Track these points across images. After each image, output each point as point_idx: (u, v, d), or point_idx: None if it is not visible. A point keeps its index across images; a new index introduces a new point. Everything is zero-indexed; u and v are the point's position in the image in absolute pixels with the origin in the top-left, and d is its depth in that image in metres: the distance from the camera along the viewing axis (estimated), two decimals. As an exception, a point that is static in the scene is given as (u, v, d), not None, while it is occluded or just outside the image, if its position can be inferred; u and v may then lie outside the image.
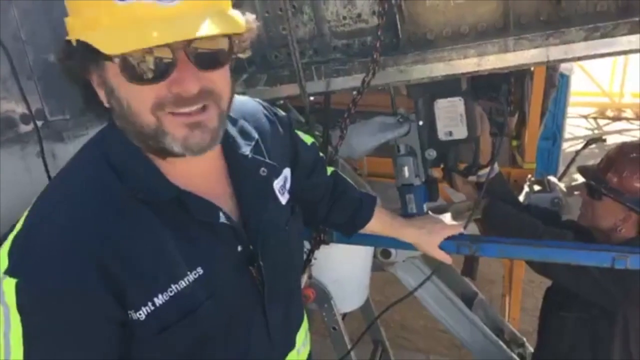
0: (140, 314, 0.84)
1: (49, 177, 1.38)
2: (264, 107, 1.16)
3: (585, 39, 1.41)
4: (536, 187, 2.12)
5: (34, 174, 1.40)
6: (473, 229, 1.93)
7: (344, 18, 1.62)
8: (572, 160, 2.78)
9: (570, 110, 4.86)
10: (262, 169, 1.03)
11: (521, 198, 2.11)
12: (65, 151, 1.49)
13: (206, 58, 0.80)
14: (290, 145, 1.20)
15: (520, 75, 2.10)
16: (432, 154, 1.87)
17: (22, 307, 0.78)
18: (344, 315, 2.10)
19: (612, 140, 5.36)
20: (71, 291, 0.79)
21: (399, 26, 1.55)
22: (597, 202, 1.72)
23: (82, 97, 0.88)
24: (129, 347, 0.87)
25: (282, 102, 2.10)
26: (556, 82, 2.91)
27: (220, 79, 0.84)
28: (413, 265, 2.11)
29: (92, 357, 0.84)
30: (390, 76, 1.61)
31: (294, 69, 1.61)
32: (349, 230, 1.48)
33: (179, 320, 0.88)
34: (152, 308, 0.85)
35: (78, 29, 0.79)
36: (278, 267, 1.04)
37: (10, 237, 0.83)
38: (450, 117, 1.79)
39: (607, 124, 7.36)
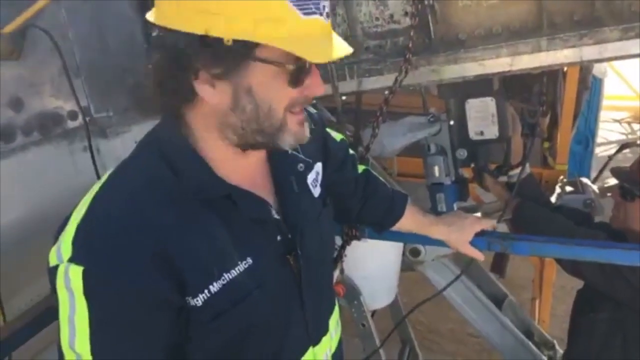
0: (197, 301, 0.89)
1: (97, 170, 1.45)
2: None
3: (620, 38, 1.40)
4: (568, 188, 2.11)
5: (80, 168, 1.48)
6: (503, 229, 1.93)
7: (377, 19, 1.64)
8: (605, 165, 2.73)
9: (604, 114, 4.77)
10: (300, 164, 1.09)
11: (553, 199, 2.10)
12: (109, 146, 1.57)
13: None
14: (322, 141, 1.25)
15: (553, 76, 2.09)
16: (462, 153, 1.88)
17: (89, 293, 0.82)
18: (373, 313, 2.13)
19: (647, 145, 5.23)
20: (135, 279, 0.84)
21: (431, 27, 1.57)
22: (629, 204, 1.70)
23: (174, 89, 0.88)
24: (186, 332, 0.91)
25: (314, 101, 2.14)
26: (589, 84, 2.88)
27: None
28: (442, 265, 2.12)
29: (154, 341, 0.89)
30: (422, 76, 1.63)
31: (327, 69, 1.64)
32: (381, 227, 1.51)
33: (231, 307, 0.92)
34: (208, 295, 0.89)
35: (242, 30, 0.80)
36: (312, 256, 1.08)
37: (72, 227, 0.87)
38: (482, 116, 1.80)
39: (642, 128, 7.20)
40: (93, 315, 0.83)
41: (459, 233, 1.47)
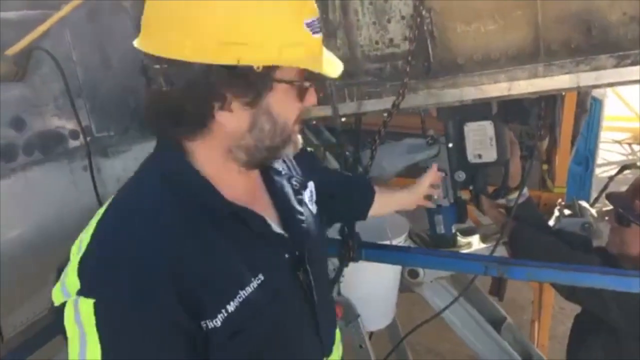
0: (216, 322, 0.88)
1: (96, 190, 1.46)
2: None
3: (616, 66, 1.42)
4: (566, 212, 2.11)
5: (80, 187, 1.48)
6: (502, 252, 1.93)
7: (377, 43, 1.66)
8: (606, 186, 2.74)
9: (604, 135, 4.79)
10: (294, 182, 1.13)
11: (551, 222, 2.10)
12: (109, 166, 1.58)
13: None
14: (308, 161, 1.29)
15: (551, 100, 2.11)
16: (461, 176, 1.89)
17: (101, 326, 0.80)
18: (371, 335, 2.11)
19: (647, 166, 5.23)
20: (150, 307, 0.81)
21: (430, 51, 1.59)
22: (625, 229, 1.71)
23: (193, 117, 0.89)
24: (203, 353, 0.89)
25: (314, 122, 2.16)
26: (588, 107, 2.89)
27: None
28: (441, 287, 2.11)
29: None
30: (421, 99, 1.65)
31: (327, 91, 1.66)
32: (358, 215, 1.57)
33: (248, 323, 0.92)
34: (226, 315, 0.89)
35: (269, 57, 0.84)
36: (317, 271, 1.11)
37: (75, 260, 0.85)
38: (480, 140, 1.82)
39: (642, 149, 7.20)
40: (105, 348, 0.80)
41: (411, 193, 1.64)
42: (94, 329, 0.79)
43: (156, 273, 0.83)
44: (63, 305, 0.83)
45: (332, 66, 0.93)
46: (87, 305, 0.80)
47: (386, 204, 1.62)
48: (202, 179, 0.93)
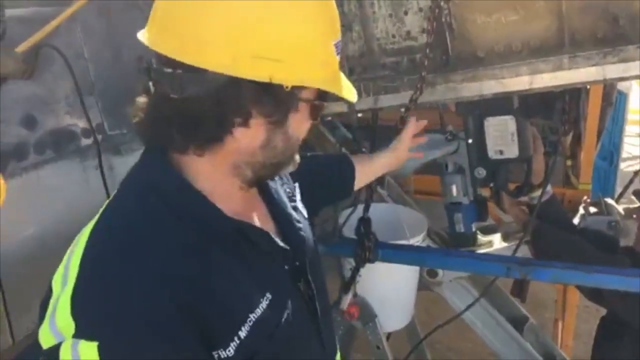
0: (229, 351, 0.81)
1: (107, 188, 1.44)
2: None
3: (645, 57, 1.36)
4: (592, 209, 2.04)
5: (92, 185, 1.47)
6: (525, 252, 1.87)
7: (393, 36, 1.62)
8: (631, 181, 2.66)
9: (629, 129, 4.67)
10: (287, 188, 1.09)
11: (576, 220, 2.03)
12: (122, 164, 1.56)
13: None
14: None
15: (575, 93, 2.04)
16: (481, 172, 1.84)
17: None
18: (389, 335, 2.08)
19: (674, 161, 5.10)
20: (162, 346, 0.74)
21: (448, 44, 1.54)
22: None
23: (213, 129, 0.82)
24: None
25: (329, 118, 2.12)
26: (613, 100, 2.81)
27: None
28: (460, 286, 2.06)
29: None
30: (439, 94, 1.60)
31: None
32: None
33: (261, 346, 0.87)
34: (239, 342, 0.83)
35: (302, 76, 0.81)
36: (316, 279, 1.05)
37: (66, 296, 0.75)
38: (501, 135, 1.76)
39: (669, 143, 7.01)
40: None
41: (395, 151, 1.53)
42: None
43: (163, 305, 0.75)
44: (54, 347, 0.74)
45: (348, 88, 0.91)
46: (89, 348, 0.71)
47: (370, 172, 1.54)
48: (199, 194, 0.86)
